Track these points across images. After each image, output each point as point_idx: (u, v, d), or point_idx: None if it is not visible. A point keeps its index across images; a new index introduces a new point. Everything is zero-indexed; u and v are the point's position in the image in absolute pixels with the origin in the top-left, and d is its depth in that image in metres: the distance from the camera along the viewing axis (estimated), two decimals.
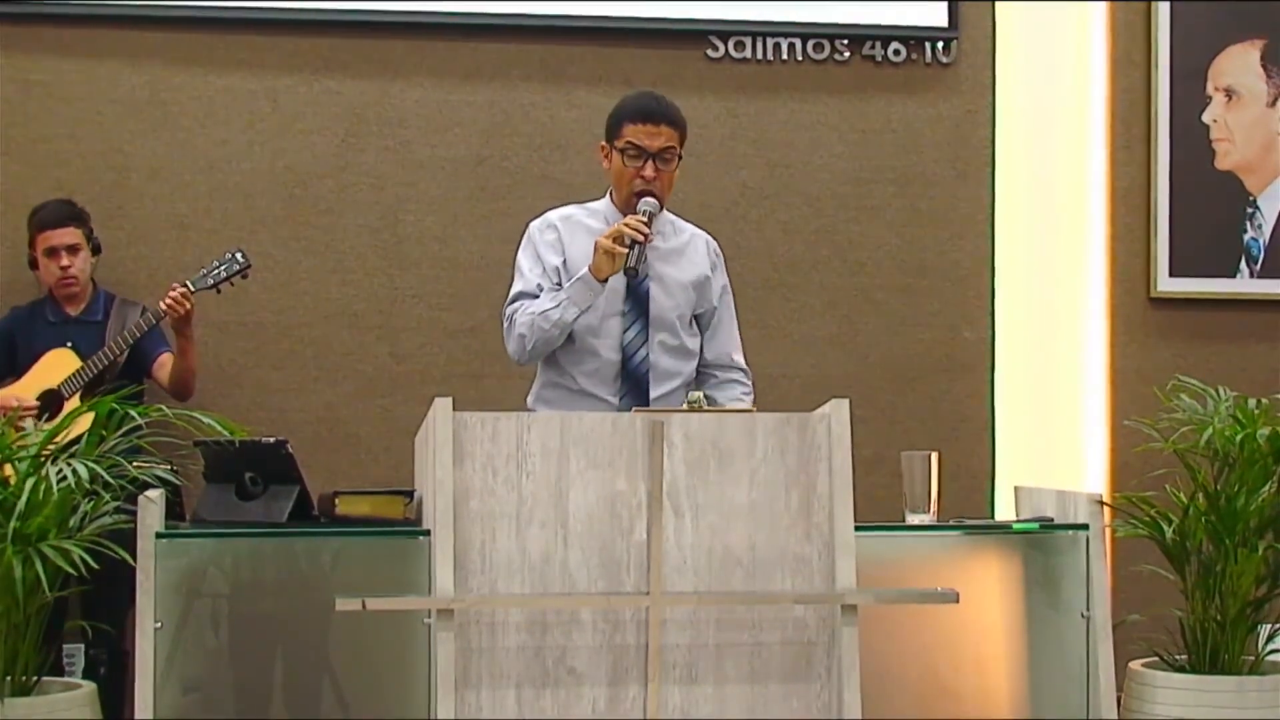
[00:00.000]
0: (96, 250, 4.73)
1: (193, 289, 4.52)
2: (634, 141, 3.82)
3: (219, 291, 4.60)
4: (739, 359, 4.06)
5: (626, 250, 3.67)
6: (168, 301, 4.48)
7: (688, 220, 4.08)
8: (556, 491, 3.14)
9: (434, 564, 3.12)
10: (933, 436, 5.04)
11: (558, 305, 3.75)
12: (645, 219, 3.73)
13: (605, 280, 3.72)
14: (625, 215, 3.81)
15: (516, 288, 3.89)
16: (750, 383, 4.06)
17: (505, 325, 3.88)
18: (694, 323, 3.98)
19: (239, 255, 4.60)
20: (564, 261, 3.86)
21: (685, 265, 3.96)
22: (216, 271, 4.58)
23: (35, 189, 4.86)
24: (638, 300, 3.87)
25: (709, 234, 4.07)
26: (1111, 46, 5.37)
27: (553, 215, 3.96)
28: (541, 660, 3.11)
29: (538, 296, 3.83)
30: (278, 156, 5.04)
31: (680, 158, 3.88)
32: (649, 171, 3.81)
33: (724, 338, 4.03)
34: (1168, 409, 3.86)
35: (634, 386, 3.85)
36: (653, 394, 3.85)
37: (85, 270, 4.69)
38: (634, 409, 3.75)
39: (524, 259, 3.92)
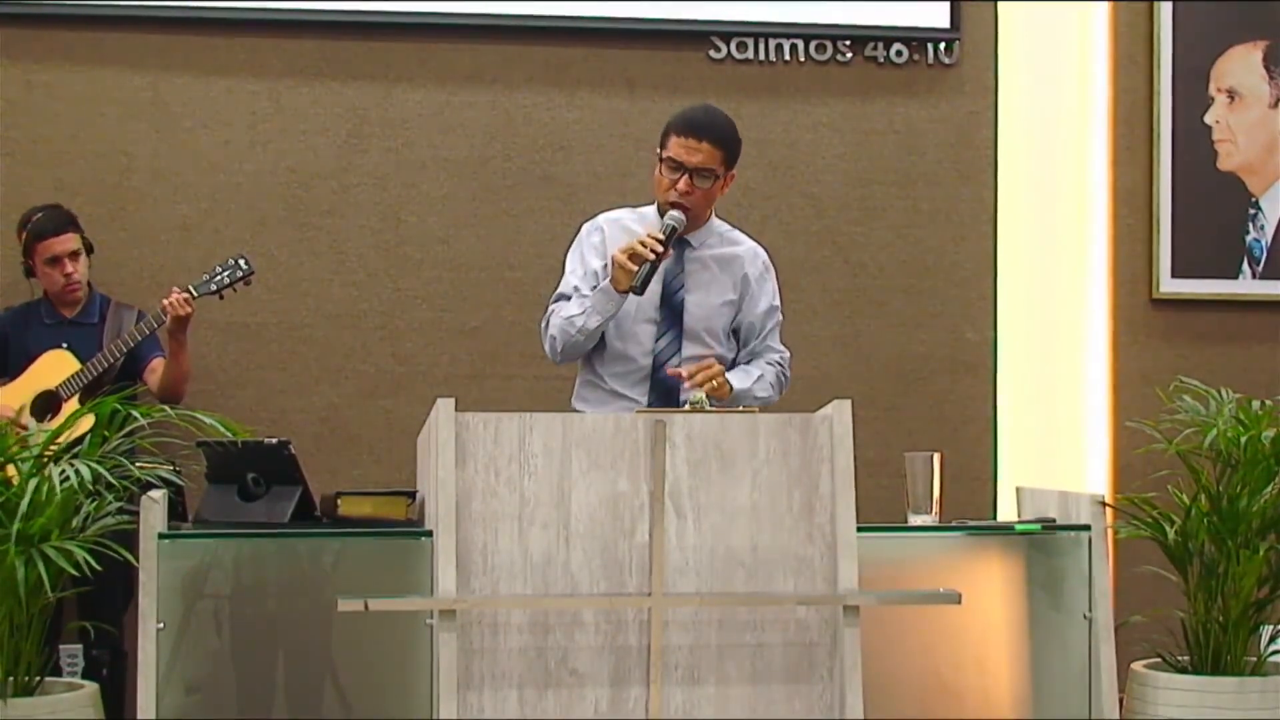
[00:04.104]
0: (89, 250, 4.71)
1: (195, 294, 4.51)
2: (673, 156, 3.80)
3: (221, 297, 4.58)
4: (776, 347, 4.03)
5: (635, 270, 3.66)
6: (168, 301, 4.46)
7: (742, 231, 4.04)
8: (559, 492, 3.14)
9: (436, 565, 3.13)
10: (935, 437, 5.03)
11: (582, 313, 3.77)
12: (663, 236, 3.71)
13: (625, 292, 3.71)
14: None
15: (559, 288, 3.91)
16: (785, 364, 4.00)
17: (543, 325, 3.89)
18: (732, 336, 3.95)
19: (242, 262, 4.58)
20: (604, 265, 3.82)
21: (726, 279, 3.92)
22: (220, 277, 4.55)
23: (36, 190, 4.85)
24: (672, 309, 3.86)
25: (764, 247, 4.04)
26: (1114, 47, 5.37)
27: (601, 218, 3.96)
28: (544, 661, 3.11)
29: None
30: (280, 158, 5.04)
31: (722, 177, 3.84)
32: (683, 185, 3.79)
33: (764, 348, 3.99)
34: (1170, 410, 3.86)
35: (664, 393, 3.83)
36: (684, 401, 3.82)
37: (86, 274, 4.68)
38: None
39: (570, 259, 3.93)
